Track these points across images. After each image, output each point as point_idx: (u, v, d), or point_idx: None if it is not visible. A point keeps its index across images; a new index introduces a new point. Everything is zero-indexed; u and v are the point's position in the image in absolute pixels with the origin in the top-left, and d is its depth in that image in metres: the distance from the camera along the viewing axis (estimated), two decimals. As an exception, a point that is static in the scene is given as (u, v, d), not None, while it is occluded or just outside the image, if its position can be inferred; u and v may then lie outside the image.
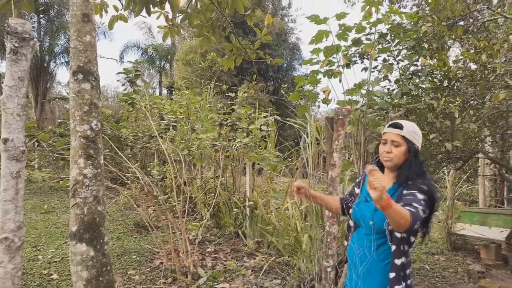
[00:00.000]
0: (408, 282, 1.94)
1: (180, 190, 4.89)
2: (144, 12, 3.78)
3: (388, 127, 2.06)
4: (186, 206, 4.57)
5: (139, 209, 5.22)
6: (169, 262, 4.49)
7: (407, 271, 1.95)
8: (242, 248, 5.49)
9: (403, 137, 1.98)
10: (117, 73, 5.03)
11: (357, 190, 2.28)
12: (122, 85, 5.11)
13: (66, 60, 19.29)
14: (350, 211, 2.21)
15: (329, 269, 3.42)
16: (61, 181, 4.67)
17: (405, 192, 1.90)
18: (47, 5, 18.35)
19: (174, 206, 4.74)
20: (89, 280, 2.68)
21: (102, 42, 25.31)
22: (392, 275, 1.92)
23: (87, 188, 2.78)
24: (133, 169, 4.45)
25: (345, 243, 2.29)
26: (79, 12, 2.84)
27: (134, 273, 4.45)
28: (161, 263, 4.71)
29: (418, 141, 2.02)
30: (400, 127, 2.00)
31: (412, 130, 2.01)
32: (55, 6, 18.58)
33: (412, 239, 1.98)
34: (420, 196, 1.83)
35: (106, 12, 4.50)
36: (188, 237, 4.91)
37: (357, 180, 2.35)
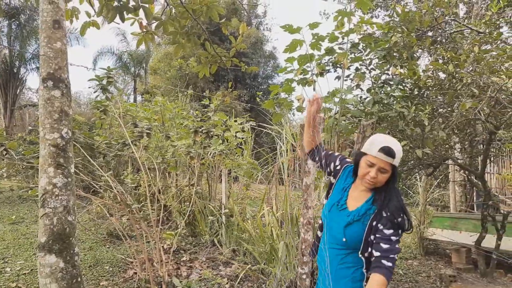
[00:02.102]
0: None
1: (155, 199, 4.82)
2: (117, 19, 3.74)
3: (379, 151, 1.91)
4: (161, 215, 4.51)
5: (112, 218, 5.11)
6: (143, 272, 4.41)
7: None
8: (217, 257, 5.45)
9: (392, 164, 1.93)
10: (89, 80, 4.94)
11: (332, 180, 2.26)
12: (94, 92, 5.02)
13: (37, 65, 18.86)
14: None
15: (304, 276, 3.43)
16: (30, 191, 4.53)
17: (379, 227, 1.89)
18: (18, 9, 17.90)
19: (148, 215, 4.67)
20: (58, 293, 2.61)
21: (75, 48, 24.79)
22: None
23: (57, 198, 2.71)
24: (106, 178, 4.37)
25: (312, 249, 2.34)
26: (50, 18, 2.80)
27: (107, 284, 4.35)
28: (135, 273, 4.62)
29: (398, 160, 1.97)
30: (393, 155, 1.91)
31: (400, 155, 1.96)
32: (26, 11, 18.15)
33: None
34: (394, 238, 1.86)
35: (77, 18, 4.44)
36: (162, 246, 4.84)
37: (337, 166, 2.26)
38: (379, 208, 1.93)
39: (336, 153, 2.39)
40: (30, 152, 4.42)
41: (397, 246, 1.85)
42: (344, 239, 1.98)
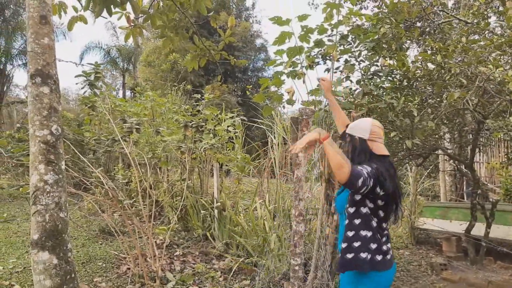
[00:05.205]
0: (365, 255, 1.99)
1: (146, 194, 4.81)
2: (105, 13, 3.69)
3: None
4: (153, 210, 4.50)
5: (104, 214, 5.09)
6: (137, 267, 4.40)
7: (371, 245, 2.01)
8: (210, 251, 5.46)
9: (349, 134, 2.23)
10: (76, 76, 4.88)
11: None
12: (82, 88, 4.97)
13: (24, 62, 18.61)
14: None
15: (297, 267, 3.46)
16: (21, 188, 4.49)
17: None
18: (2, 4, 17.57)
19: (140, 210, 4.66)
20: (52, 289, 2.60)
21: (62, 43, 24.44)
22: (343, 245, 2.06)
23: (48, 195, 2.70)
24: (97, 174, 4.34)
25: None
26: (36, 14, 2.76)
27: (101, 280, 4.33)
28: (128, 268, 4.62)
29: (357, 131, 2.17)
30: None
31: (352, 125, 2.24)
32: (11, 6, 17.82)
33: (378, 212, 2.06)
34: (366, 166, 1.94)
35: (66, 12, 4.37)
36: (155, 241, 4.84)
37: None
38: None
39: None
40: (20, 149, 4.37)
41: (364, 168, 1.91)
42: (334, 205, 2.30)
